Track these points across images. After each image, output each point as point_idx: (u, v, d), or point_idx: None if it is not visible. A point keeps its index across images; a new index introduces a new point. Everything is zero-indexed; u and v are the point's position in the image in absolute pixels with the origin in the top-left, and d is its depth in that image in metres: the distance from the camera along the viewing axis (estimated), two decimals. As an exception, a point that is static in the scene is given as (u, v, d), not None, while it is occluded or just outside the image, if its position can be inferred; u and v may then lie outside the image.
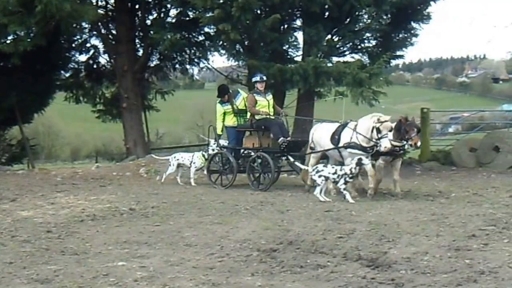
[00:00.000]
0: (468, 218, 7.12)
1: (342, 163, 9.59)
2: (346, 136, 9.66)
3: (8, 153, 18.58)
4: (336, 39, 14.55)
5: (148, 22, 17.12)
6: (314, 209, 8.20)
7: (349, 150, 9.49)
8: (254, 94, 11.08)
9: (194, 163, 11.78)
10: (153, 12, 17.32)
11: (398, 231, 6.42)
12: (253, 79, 11.33)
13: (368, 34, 14.89)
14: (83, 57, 18.15)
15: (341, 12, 13.58)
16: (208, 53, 16.18)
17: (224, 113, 11.54)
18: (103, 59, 18.21)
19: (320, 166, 9.40)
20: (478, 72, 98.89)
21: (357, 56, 15.09)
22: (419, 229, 6.51)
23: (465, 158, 14.53)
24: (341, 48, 14.87)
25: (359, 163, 9.07)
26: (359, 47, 15.15)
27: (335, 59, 14.65)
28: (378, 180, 9.66)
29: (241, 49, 14.37)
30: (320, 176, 9.13)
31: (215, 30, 14.31)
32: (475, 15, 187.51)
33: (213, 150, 11.71)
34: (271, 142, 11.26)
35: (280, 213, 7.88)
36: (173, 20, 16.49)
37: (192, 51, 16.83)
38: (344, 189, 9.05)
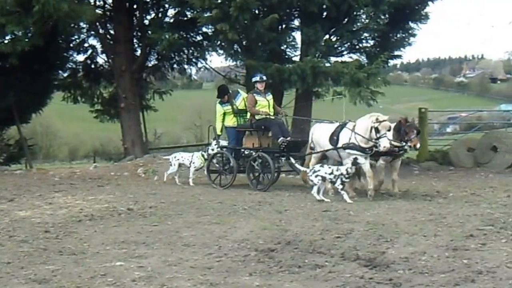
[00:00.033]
0: (466, 218, 7.13)
1: (341, 163, 9.59)
2: (344, 137, 9.64)
3: (6, 153, 18.51)
4: (334, 39, 14.57)
5: (146, 22, 17.11)
6: (312, 209, 8.20)
7: (347, 150, 9.48)
8: (254, 94, 11.07)
9: (193, 163, 11.78)
10: (151, 12, 17.31)
11: (396, 231, 6.42)
12: (253, 79, 11.31)
13: (366, 34, 14.91)
14: (81, 57, 18.22)
15: (339, 12, 13.60)
16: (206, 53, 16.25)
17: (224, 114, 11.54)
18: (101, 59, 18.27)
19: (317, 166, 9.42)
20: (476, 72, 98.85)
21: (355, 56, 15.14)
22: (417, 229, 6.51)
23: (463, 158, 14.56)
24: (339, 48, 14.90)
25: (355, 162, 9.08)
26: (357, 47, 15.17)
27: (333, 59, 14.71)
28: (380, 181, 9.66)
29: (239, 49, 14.39)
30: (317, 176, 9.14)
31: (213, 30, 14.32)
32: (473, 15, 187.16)
33: (212, 150, 11.71)
34: (271, 142, 11.26)
35: (278, 213, 7.88)
36: (171, 20, 16.51)
37: (190, 51, 16.86)
38: (342, 189, 9.06)
